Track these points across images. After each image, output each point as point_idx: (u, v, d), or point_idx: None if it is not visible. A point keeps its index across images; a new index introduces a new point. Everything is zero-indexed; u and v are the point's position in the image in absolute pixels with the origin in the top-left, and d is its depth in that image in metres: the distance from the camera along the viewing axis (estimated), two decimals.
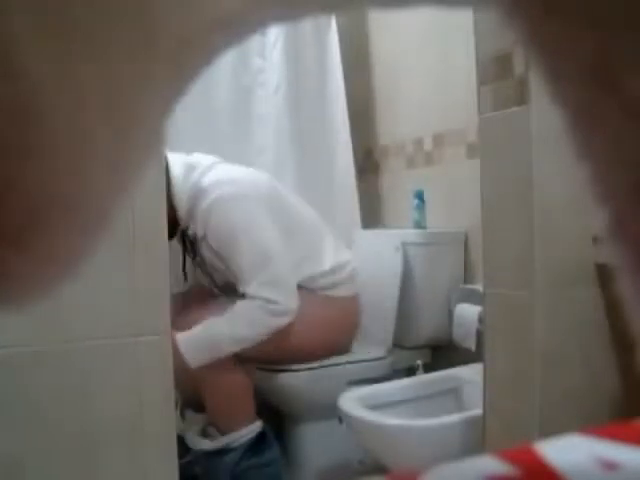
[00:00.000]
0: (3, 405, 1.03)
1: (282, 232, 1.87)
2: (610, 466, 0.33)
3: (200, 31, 0.16)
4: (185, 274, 2.03)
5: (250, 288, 1.80)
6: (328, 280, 1.99)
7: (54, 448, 1.05)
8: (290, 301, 1.82)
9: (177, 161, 1.86)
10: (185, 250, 1.99)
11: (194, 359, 1.73)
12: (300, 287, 1.91)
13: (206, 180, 1.84)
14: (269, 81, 2.41)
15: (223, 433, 1.81)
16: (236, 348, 1.78)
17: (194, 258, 1.97)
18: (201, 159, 1.91)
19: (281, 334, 1.83)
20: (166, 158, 1.84)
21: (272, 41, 2.40)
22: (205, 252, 1.89)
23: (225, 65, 2.30)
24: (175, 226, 1.86)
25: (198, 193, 1.83)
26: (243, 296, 1.83)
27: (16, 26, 0.14)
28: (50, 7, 0.14)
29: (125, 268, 1.09)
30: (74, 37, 0.15)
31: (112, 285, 1.09)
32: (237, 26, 0.18)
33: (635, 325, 0.20)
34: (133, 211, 1.07)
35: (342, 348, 2.04)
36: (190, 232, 1.89)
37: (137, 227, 1.09)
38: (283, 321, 1.81)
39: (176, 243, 1.98)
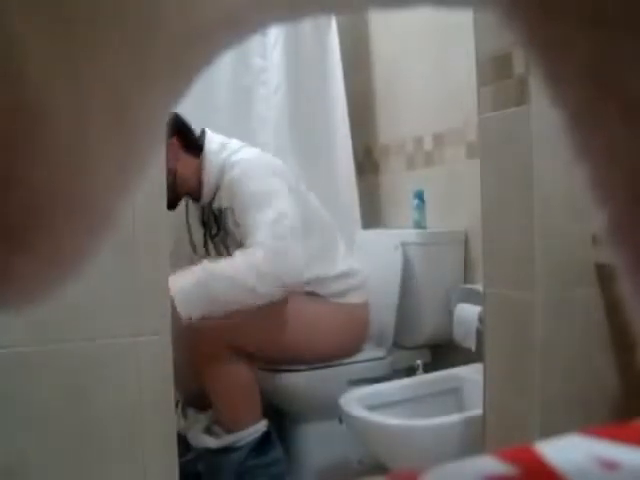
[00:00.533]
0: (3, 405, 1.03)
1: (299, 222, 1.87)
2: (610, 466, 0.33)
3: (201, 31, 0.17)
4: (207, 249, 2.03)
5: (257, 235, 1.72)
6: (339, 285, 1.98)
7: (54, 448, 1.05)
8: (296, 267, 1.73)
9: (214, 138, 1.95)
10: (205, 227, 2.00)
11: (186, 309, 1.61)
12: (310, 293, 1.92)
13: (235, 157, 1.89)
14: (269, 81, 2.41)
15: (229, 431, 1.81)
16: (235, 298, 1.66)
17: (217, 233, 1.97)
18: (234, 141, 1.97)
19: (290, 339, 1.85)
20: (204, 132, 1.96)
21: (272, 41, 2.41)
22: (230, 225, 1.90)
23: (225, 65, 2.30)
24: (192, 198, 1.94)
25: (226, 167, 1.87)
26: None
27: (17, 26, 0.14)
28: (51, 7, 0.14)
29: (125, 268, 1.09)
30: (75, 37, 0.15)
31: (112, 285, 1.09)
32: (238, 26, 0.18)
33: (635, 325, 0.20)
34: (133, 211, 1.07)
35: (351, 353, 2.04)
36: (215, 205, 1.92)
37: (137, 227, 1.09)
38: (288, 279, 1.71)
39: (183, 228, 2.00)
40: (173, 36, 0.16)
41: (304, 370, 1.92)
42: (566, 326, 1.31)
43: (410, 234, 2.16)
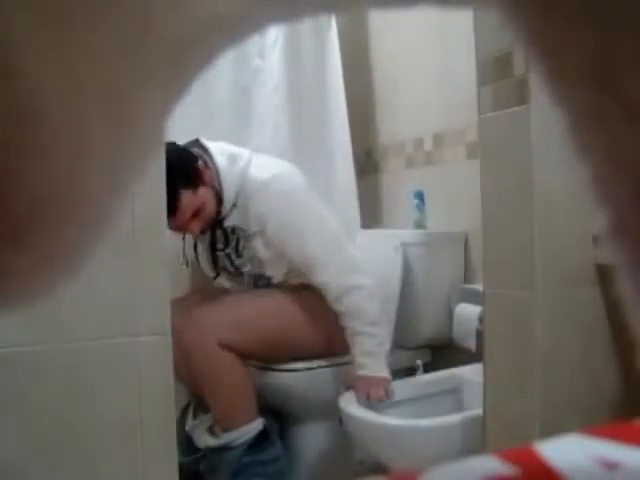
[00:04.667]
0: (3, 405, 1.03)
1: None
2: (610, 466, 0.33)
3: (199, 32, 0.16)
4: (215, 264, 2.03)
5: (327, 274, 1.82)
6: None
7: (54, 448, 1.05)
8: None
9: (218, 151, 1.89)
10: (213, 241, 1.99)
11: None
12: (313, 289, 1.92)
13: (254, 174, 1.86)
14: (268, 81, 2.40)
15: (225, 430, 1.82)
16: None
17: (224, 249, 1.97)
18: (237, 150, 1.94)
19: (286, 334, 1.85)
20: (208, 148, 1.89)
21: (272, 41, 2.40)
22: (256, 244, 1.89)
23: (224, 65, 2.29)
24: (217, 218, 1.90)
25: (249, 188, 1.85)
26: (305, 287, 1.88)
27: (16, 26, 0.14)
28: (49, 8, 0.14)
29: (125, 268, 1.09)
30: (73, 38, 0.15)
31: (112, 285, 1.09)
32: (236, 27, 0.18)
33: (635, 325, 0.20)
34: (133, 211, 1.07)
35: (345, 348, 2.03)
36: (227, 223, 1.90)
37: (137, 227, 1.08)
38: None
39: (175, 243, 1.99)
40: (169, 38, 0.16)
41: (304, 370, 1.91)
42: (566, 326, 1.31)
43: (410, 234, 2.16)
